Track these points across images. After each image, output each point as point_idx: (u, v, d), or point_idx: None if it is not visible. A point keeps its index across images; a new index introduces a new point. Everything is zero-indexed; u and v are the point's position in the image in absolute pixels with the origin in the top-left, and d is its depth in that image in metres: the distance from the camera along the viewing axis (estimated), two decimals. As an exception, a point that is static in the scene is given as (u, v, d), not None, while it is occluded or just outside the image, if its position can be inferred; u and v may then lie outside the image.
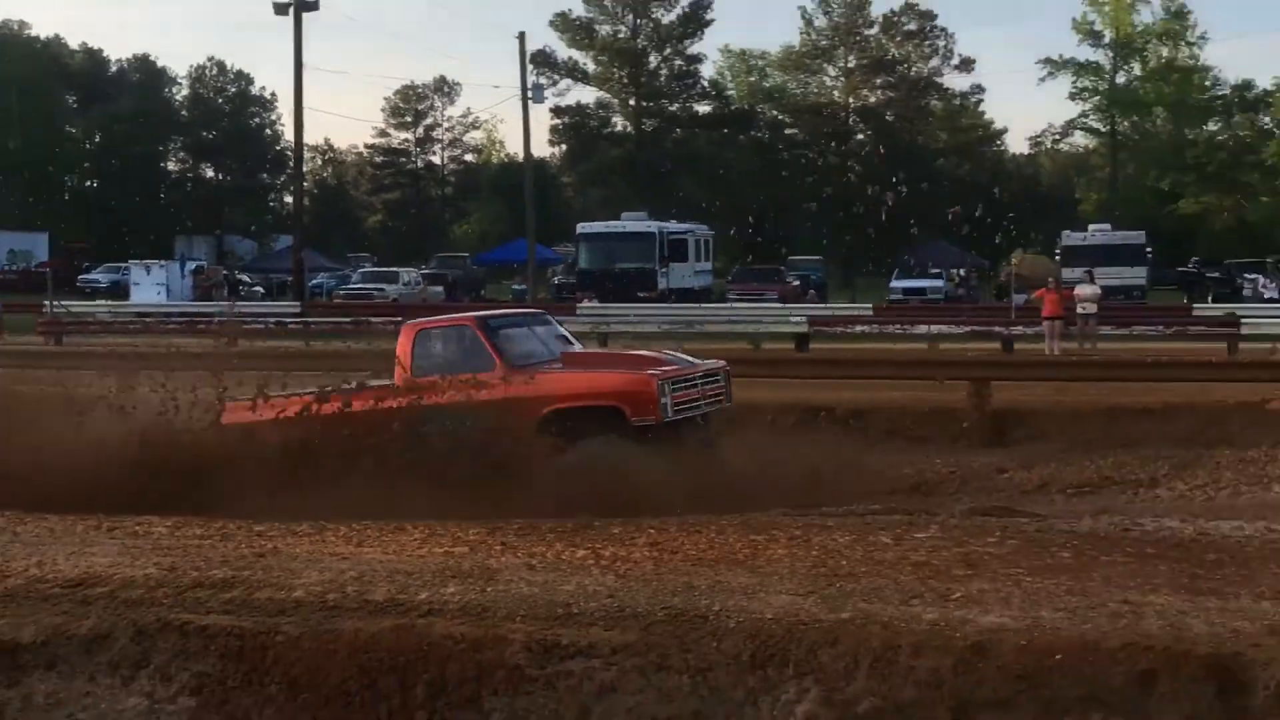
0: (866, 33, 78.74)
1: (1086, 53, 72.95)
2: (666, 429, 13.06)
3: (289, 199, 73.96)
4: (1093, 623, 6.65)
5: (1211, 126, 73.35)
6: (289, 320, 37.07)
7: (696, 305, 43.88)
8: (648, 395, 13.14)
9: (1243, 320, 31.32)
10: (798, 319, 34.77)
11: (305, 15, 45.55)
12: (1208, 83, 72.24)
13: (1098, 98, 73.67)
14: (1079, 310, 30.17)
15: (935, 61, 78.77)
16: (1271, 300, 46.40)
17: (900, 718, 5.94)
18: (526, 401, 13.06)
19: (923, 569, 7.97)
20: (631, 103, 79.23)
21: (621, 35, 78.15)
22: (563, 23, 77.69)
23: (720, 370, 14.61)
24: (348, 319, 36.22)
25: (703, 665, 6.29)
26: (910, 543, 8.75)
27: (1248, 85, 71.78)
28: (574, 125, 79.11)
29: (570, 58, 78.70)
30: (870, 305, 41.45)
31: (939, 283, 54.02)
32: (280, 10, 45.45)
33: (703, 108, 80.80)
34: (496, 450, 12.36)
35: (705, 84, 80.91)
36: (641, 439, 12.88)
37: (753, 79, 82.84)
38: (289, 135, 62.01)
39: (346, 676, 6.38)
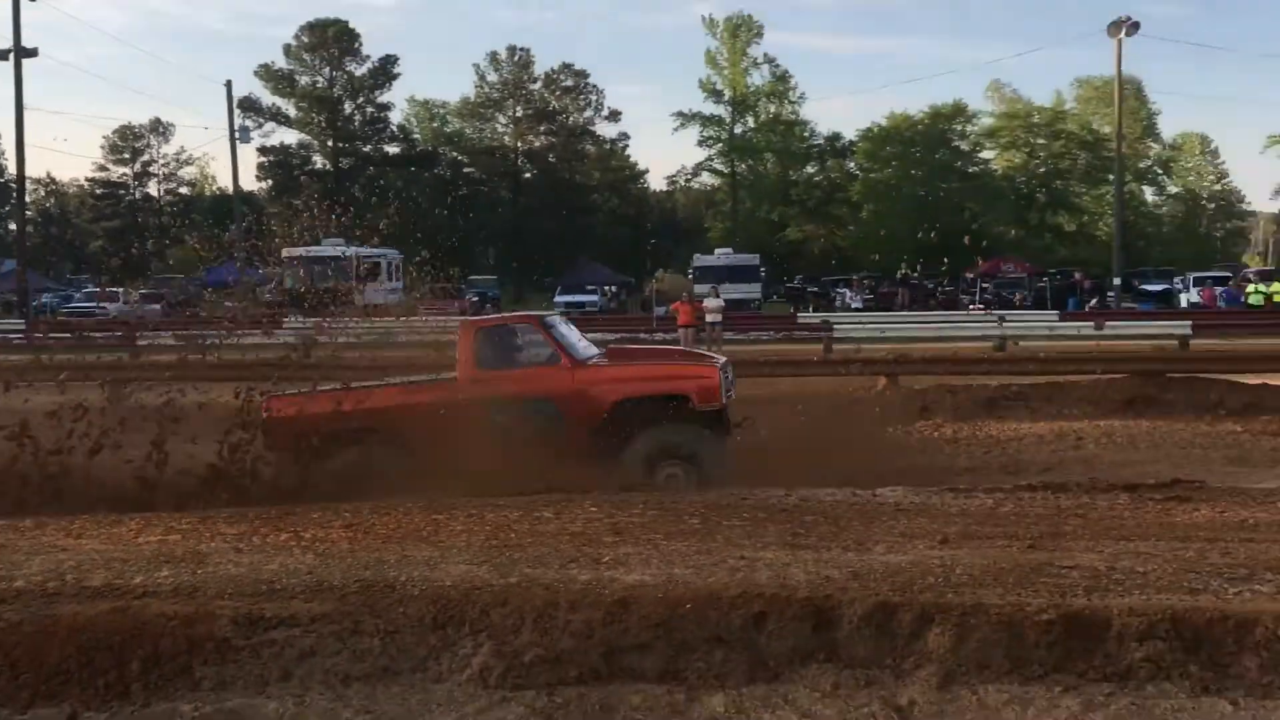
0: (531, 87, 79.17)
1: (711, 108, 75.29)
2: (716, 413, 12.76)
3: (14, 226, 69.19)
4: (716, 576, 6.84)
5: (810, 169, 76.67)
6: (14, 336, 34.67)
7: (389, 318, 43.05)
8: (713, 384, 12.70)
9: (835, 325, 32.84)
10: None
11: (25, 60, 42.75)
12: (806, 134, 75.54)
13: (720, 145, 76.02)
14: (707, 319, 31.13)
15: (589, 113, 79.94)
16: (857, 309, 48.83)
17: (559, 664, 5.97)
18: (599, 391, 12.49)
19: (578, 538, 8.05)
20: (329, 144, 77.49)
21: (319, 85, 76.35)
22: (266, 73, 75.42)
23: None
24: (70, 334, 34.16)
25: (391, 628, 6.19)
26: (569, 516, 8.81)
27: (837, 137, 75.65)
28: (278, 163, 76.77)
29: (274, 104, 76.51)
30: (538, 317, 41.53)
31: (594, 297, 54.75)
32: (0, 56, 42.56)
33: (392, 149, 79.65)
34: (578, 436, 11.83)
35: (394, 128, 79.93)
36: (702, 423, 12.57)
37: (435, 125, 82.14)
38: (13, 169, 57.99)
39: (66, 656, 6.00)
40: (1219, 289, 49.39)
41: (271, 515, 9.10)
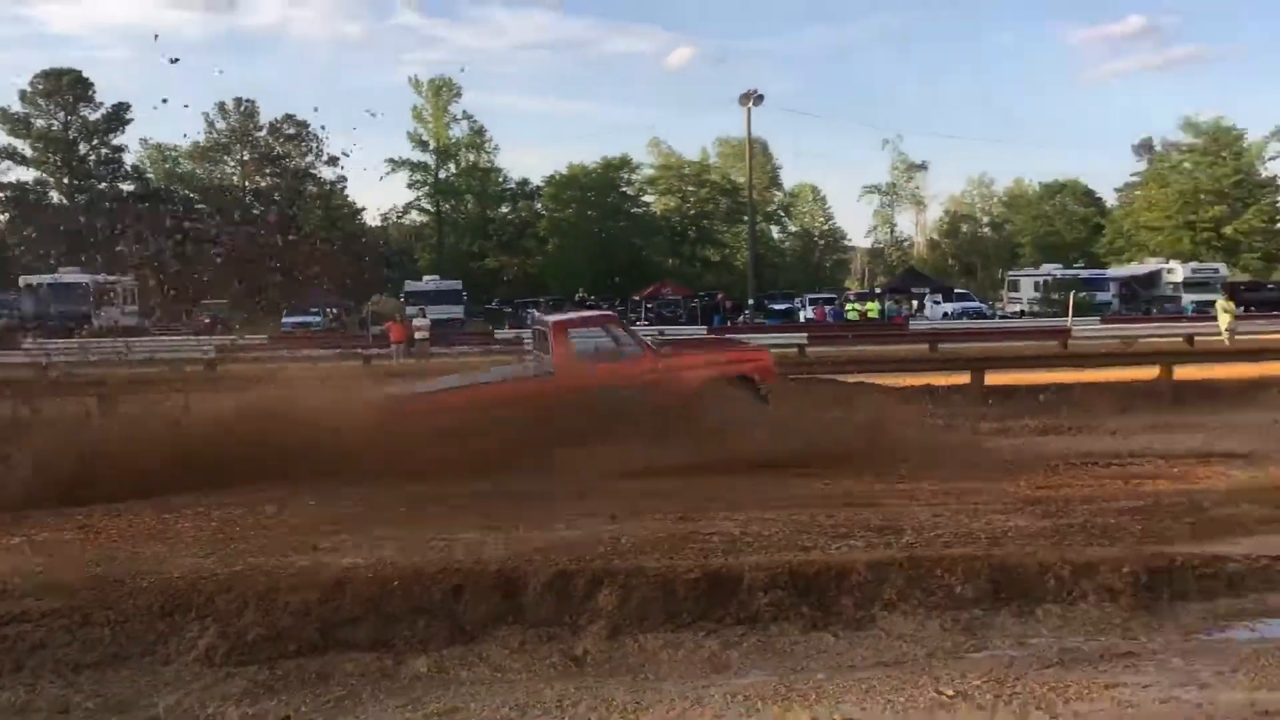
0: (257, 134, 75.49)
1: (418, 156, 74.07)
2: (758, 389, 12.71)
3: None
4: (420, 556, 6.74)
5: (504, 209, 76.45)
6: None
7: (126, 338, 40.18)
8: (771, 367, 13.10)
9: (524, 340, 32.98)
10: (207, 348, 32.81)
11: None
12: (500, 179, 75.31)
13: (427, 187, 74.90)
14: (416, 336, 30.68)
15: (310, 158, 76.85)
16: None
17: (280, 640, 5.72)
18: (685, 376, 12.30)
19: (299, 529, 7.75)
20: (66, 181, 71.40)
21: (55, 128, 70.22)
22: (3, 116, 68.86)
23: None
24: None
25: (121, 618, 5.76)
26: (290, 510, 8.46)
27: (526, 182, 75.62)
28: (15, 199, 70.10)
29: (10, 144, 69.85)
30: (267, 336, 39.79)
31: (317, 318, 52.87)
32: None
33: (127, 186, 74.11)
34: (671, 414, 11.46)
35: (129, 168, 74.33)
36: (757, 399, 12.49)
37: (168, 165, 77.08)
38: None
39: None
40: (827, 308, 52.49)
41: (5, 521, 8.29)
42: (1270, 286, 53.99)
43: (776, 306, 54.68)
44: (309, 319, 52.04)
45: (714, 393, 12.27)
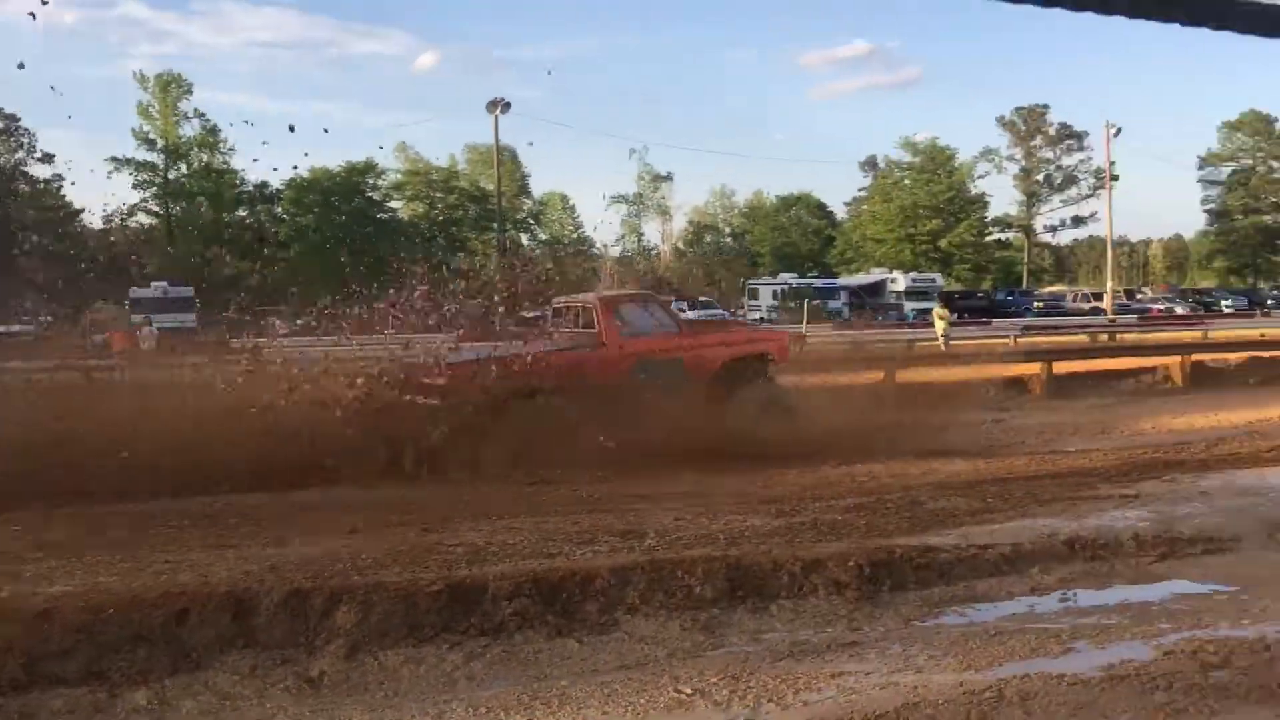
0: (-42, 127, 69.13)
1: (145, 155, 69.68)
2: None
3: None
4: (140, 580, 6.33)
5: (242, 213, 73.08)
6: None
7: None
8: (786, 345, 14.20)
9: (263, 348, 31.74)
10: (-102, 359, 29.73)
11: None
12: (238, 181, 71.86)
13: (155, 188, 70.58)
14: (142, 346, 29.03)
15: (21, 154, 70.86)
16: (284, 335, 47.26)
17: (-30, 680, 5.21)
18: (713, 352, 13.28)
19: (2, 556, 7.11)
20: None
21: None
22: None
23: None
24: None
25: None
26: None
27: (265, 185, 72.35)
28: None
29: None
30: (-33, 346, 36.37)
31: (29, 326, 48.84)
32: None
33: None
34: (697, 388, 12.40)
35: None
36: (768, 375, 13.57)
37: None
38: None
39: None
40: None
41: None
42: (980, 295, 58.88)
43: (526, 314, 54.78)
44: (18, 328, 47.97)
45: (734, 367, 13.32)
